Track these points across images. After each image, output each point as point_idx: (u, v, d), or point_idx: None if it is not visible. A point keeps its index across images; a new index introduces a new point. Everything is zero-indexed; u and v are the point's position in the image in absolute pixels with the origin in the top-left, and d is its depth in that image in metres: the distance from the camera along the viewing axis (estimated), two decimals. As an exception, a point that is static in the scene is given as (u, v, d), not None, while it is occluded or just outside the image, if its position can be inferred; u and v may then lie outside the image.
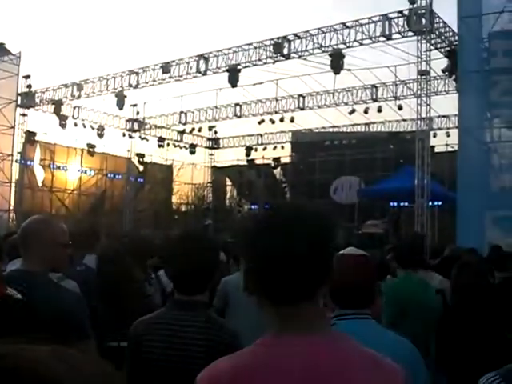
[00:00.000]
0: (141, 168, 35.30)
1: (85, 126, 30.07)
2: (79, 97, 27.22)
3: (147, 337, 3.06)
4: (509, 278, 4.90)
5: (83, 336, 3.38)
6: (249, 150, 34.61)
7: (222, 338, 2.95)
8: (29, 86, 28.31)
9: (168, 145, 34.11)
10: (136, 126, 32.46)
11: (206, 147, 38.06)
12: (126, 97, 25.90)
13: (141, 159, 34.04)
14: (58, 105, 27.52)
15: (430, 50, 18.70)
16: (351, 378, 1.57)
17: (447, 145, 28.17)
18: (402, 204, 24.39)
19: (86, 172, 34.22)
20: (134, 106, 30.24)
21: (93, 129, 30.51)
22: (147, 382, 3.01)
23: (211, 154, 38.81)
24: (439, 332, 4.58)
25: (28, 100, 28.42)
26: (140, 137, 32.63)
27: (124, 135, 32.45)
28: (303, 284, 1.61)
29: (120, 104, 25.72)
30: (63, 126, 28.42)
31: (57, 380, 0.78)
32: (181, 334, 3.01)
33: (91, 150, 31.63)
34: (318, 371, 1.56)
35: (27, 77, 28.51)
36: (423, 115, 18.95)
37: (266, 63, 22.52)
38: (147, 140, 33.01)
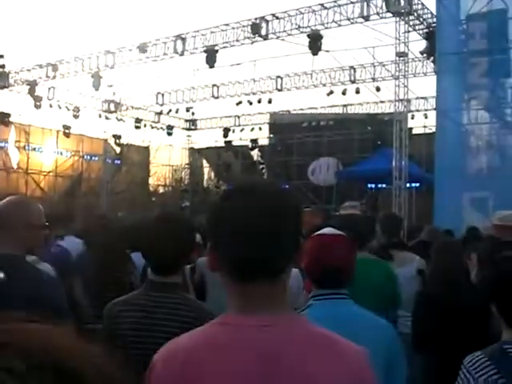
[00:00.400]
0: (117, 150, 35.04)
1: (60, 107, 29.70)
2: (54, 77, 26.82)
3: (121, 319, 3.08)
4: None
5: (61, 319, 3.27)
6: (226, 131, 34.45)
7: (196, 318, 2.94)
8: (2, 67, 27.80)
9: (145, 126, 33.86)
10: (112, 107, 32.13)
11: (183, 128, 37.82)
12: (101, 77, 25.59)
13: (117, 141, 33.74)
14: (32, 85, 27.12)
15: (409, 32, 18.67)
16: (304, 360, 1.56)
17: (425, 127, 28.32)
18: (379, 186, 24.47)
19: (61, 154, 33.82)
20: (111, 86, 29.91)
21: (68, 110, 30.16)
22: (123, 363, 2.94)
23: (189, 136, 38.59)
24: (416, 313, 4.59)
25: (1, 80, 27.94)
26: (117, 118, 32.33)
27: (100, 116, 32.12)
28: (265, 262, 1.58)
29: (96, 85, 25.41)
30: (38, 106, 28.03)
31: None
32: (155, 315, 3.02)
33: (67, 131, 31.27)
34: (273, 352, 1.55)
35: (1, 57, 28.03)
36: (401, 97, 18.94)
37: (243, 44, 22.36)
38: (124, 121, 32.74)
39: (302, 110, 32.78)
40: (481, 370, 2.53)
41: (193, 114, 35.15)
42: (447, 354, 3.91)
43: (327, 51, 21.97)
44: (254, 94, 28.90)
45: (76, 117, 30.46)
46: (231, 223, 1.59)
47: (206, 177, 41.32)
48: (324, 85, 27.16)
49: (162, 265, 3.15)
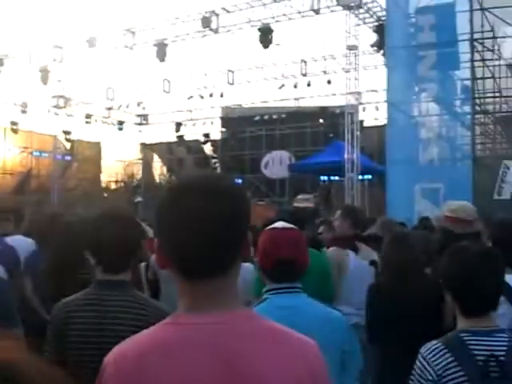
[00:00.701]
0: (68, 145, 34.52)
1: (7, 103, 29.11)
2: (0, 72, 26.28)
3: (71, 319, 2.99)
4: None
5: (12, 324, 3.40)
6: (178, 125, 34.26)
7: (149, 316, 2.89)
8: None
9: (96, 121, 33.42)
10: (62, 103, 31.59)
11: (134, 123, 37.43)
12: (49, 72, 25.16)
13: (67, 136, 33.19)
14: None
15: (359, 25, 18.82)
16: (257, 356, 1.54)
17: (376, 119, 28.59)
18: (332, 178, 24.61)
19: (9, 150, 33.19)
20: (59, 81, 29.42)
21: (15, 105, 29.58)
22: (73, 366, 2.92)
23: (140, 131, 38.22)
24: (369, 304, 4.62)
25: None
26: (66, 113, 31.82)
27: (49, 112, 31.56)
28: (212, 260, 1.56)
29: (44, 79, 24.99)
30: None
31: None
32: (107, 315, 2.96)
33: (14, 127, 30.66)
34: (225, 351, 1.53)
35: None
36: (352, 90, 19.09)
37: (194, 38, 22.25)
38: (73, 117, 32.26)
39: (253, 103, 32.79)
40: (438, 359, 2.57)
41: (144, 108, 34.85)
42: (400, 345, 3.97)
43: (278, 45, 22.00)
44: (205, 88, 28.78)
45: (24, 112, 29.89)
46: (175, 221, 1.57)
47: (158, 172, 41.06)
48: (275, 78, 27.21)
49: (109, 263, 3.09)
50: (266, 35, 20.01)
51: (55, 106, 31.54)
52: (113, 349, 1.67)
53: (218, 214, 1.55)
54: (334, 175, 23.63)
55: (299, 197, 25.10)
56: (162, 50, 21.89)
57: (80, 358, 2.92)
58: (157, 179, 40.26)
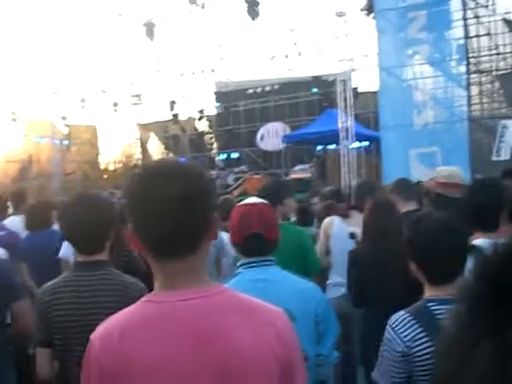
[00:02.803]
0: (65, 130, 34.58)
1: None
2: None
3: (53, 301, 3.09)
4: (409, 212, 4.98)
5: (16, 298, 3.66)
6: (172, 104, 34.05)
7: (130, 293, 2.97)
8: None
9: (90, 105, 33.39)
10: (57, 89, 31.46)
11: (129, 104, 37.25)
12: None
13: (64, 121, 33.31)
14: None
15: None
16: (231, 329, 1.66)
17: (371, 85, 28.28)
18: (328, 147, 24.43)
19: (10, 138, 33.42)
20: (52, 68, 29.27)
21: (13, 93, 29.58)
22: (59, 346, 3.08)
23: (135, 111, 38.13)
24: (349, 271, 4.72)
25: None
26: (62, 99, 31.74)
27: (45, 98, 31.58)
28: (180, 240, 1.66)
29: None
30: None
31: None
32: (88, 294, 3.06)
33: (13, 116, 30.73)
34: (201, 326, 1.64)
35: None
36: (343, 56, 18.82)
37: (181, 15, 22.06)
38: (68, 101, 32.21)
39: (245, 77, 32.61)
40: (406, 330, 2.58)
41: (137, 88, 34.64)
42: (381, 307, 3.94)
43: (266, 15, 21.73)
44: (196, 64, 28.57)
45: (21, 101, 29.93)
46: (145, 205, 1.66)
47: (156, 151, 41.02)
48: (266, 50, 26.95)
49: (82, 244, 3.22)
50: (252, 7, 19.75)
51: (51, 93, 31.52)
52: (97, 328, 1.75)
53: (179, 195, 1.63)
54: (330, 144, 23.43)
55: (296, 168, 25.10)
56: (150, 29, 21.70)
57: (65, 339, 3.05)
58: (155, 158, 40.21)
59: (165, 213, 1.63)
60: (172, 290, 1.67)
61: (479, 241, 3.10)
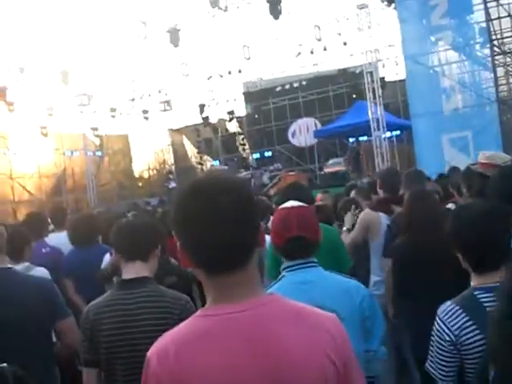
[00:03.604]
0: (97, 141, 34.87)
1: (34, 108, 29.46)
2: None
3: (100, 321, 3.10)
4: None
5: (60, 316, 3.63)
6: (202, 107, 34.35)
7: (176, 308, 3.03)
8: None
9: (121, 114, 33.68)
10: (86, 100, 31.86)
11: (159, 111, 37.56)
12: (69, 72, 25.40)
13: (95, 132, 33.56)
14: (3, 90, 26.87)
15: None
16: (287, 338, 1.66)
17: (397, 74, 28.30)
18: (360, 139, 24.54)
19: (42, 153, 33.63)
20: (80, 80, 29.66)
21: (42, 109, 29.89)
22: (105, 364, 3.08)
23: (165, 117, 38.37)
24: (398, 263, 4.67)
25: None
26: (92, 110, 32.10)
27: (75, 111, 31.86)
28: (232, 255, 1.66)
29: (65, 80, 25.25)
30: (11, 111, 27.79)
31: None
32: (132, 312, 3.07)
33: (44, 131, 31.06)
34: (257, 336, 1.65)
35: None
36: (368, 48, 18.99)
37: (205, 19, 22.24)
38: (98, 112, 32.53)
39: (273, 75, 32.71)
40: (454, 319, 2.62)
41: (166, 94, 34.99)
42: (426, 303, 4.01)
43: (289, 13, 21.90)
44: (223, 66, 28.79)
45: (50, 115, 30.24)
46: (194, 224, 1.66)
47: (189, 155, 41.26)
48: (291, 47, 27.06)
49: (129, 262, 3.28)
50: (274, 6, 19.90)
51: (80, 104, 31.83)
52: (154, 344, 1.75)
53: (231, 209, 1.64)
54: (362, 136, 23.54)
55: (330, 162, 25.17)
56: (175, 35, 21.89)
57: (111, 356, 3.05)
58: (188, 162, 40.50)
59: (218, 228, 1.63)
60: (226, 303, 1.68)
61: None
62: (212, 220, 1.63)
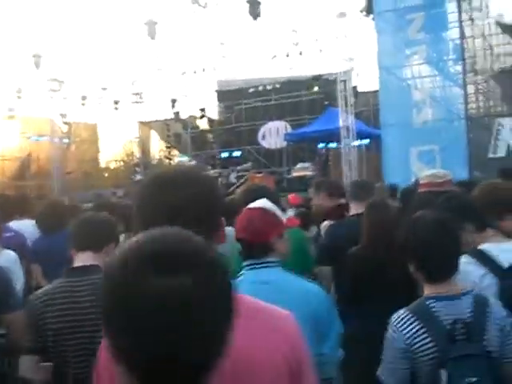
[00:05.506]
0: (65, 128, 34.55)
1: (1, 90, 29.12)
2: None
3: (46, 308, 3.12)
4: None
5: (11, 309, 3.62)
6: (173, 102, 34.23)
7: None
8: None
9: (91, 103, 33.42)
10: (56, 86, 31.51)
11: (130, 102, 37.34)
12: (41, 56, 25.16)
13: (64, 119, 33.26)
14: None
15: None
16: (239, 330, 1.56)
17: (371, 84, 28.58)
18: (329, 145, 24.70)
19: (7, 136, 33.18)
20: (52, 65, 29.39)
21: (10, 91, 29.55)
22: (57, 353, 3.08)
23: (136, 109, 38.14)
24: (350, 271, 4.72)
25: None
26: (62, 97, 31.80)
27: (44, 96, 31.51)
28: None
29: (37, 64, 25.01)
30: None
31: None
32: (82, 299, 3.10)
33: (11, 113, 30.66)
34: None
35: None
36: (344, 56, 19.16)
37: (183, 14, 22.25)
38: (68, 99, 32.22)
39: (247, 76, 32.77)
40: (406, 327, 2.69)
41: (138, 86, 34.80)
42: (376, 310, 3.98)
43: (267, 15, 22.00)
44: (198, 63, 28.78)
45: (19, 98, 29.89)
46: (153, 216, 1.62)
47: (157, 149, 41.08)
48: (267, 49, 27.19)
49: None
50: (254, 7, 20.00)
51: (50, 90, 31.47)
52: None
53: (191, 199, 1.64)
54: (332, 142, 23.68)
55: (298, 166, 25.31)
56: (152, 28, 21.87)
57: (60, 343, 3.06)
58: (156, 156, 40.35)
59: (176, 218, 1.53)
60: None
61: (487, 246, 3.24)
62: (166, 212, 1.61)
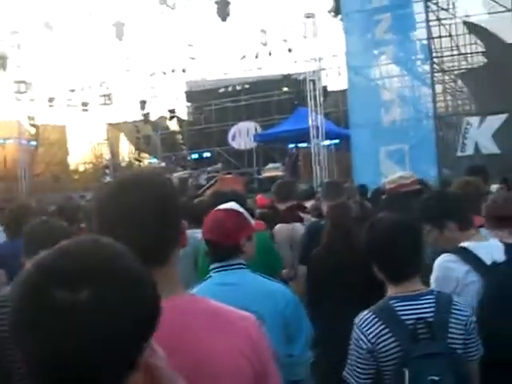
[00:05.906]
0: (33, 131, 34.16)
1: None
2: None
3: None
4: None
5: None
6: (143, 103, 34.01)
7: None
8: None
9: (59, 105, 33.07)
10: (23, 88, 31.10)
11: (99, 104, 37.01)
12: (8, 58, 24.84)
13: (32, 122, 32.87)
14: None
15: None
16: (196, 338, 1.65)
17: (340, 84, 28.67)
18: (300, 145, 24.74)
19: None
20: (19, 67, 28.99)
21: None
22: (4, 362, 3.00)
23: (104, 111, 37.85)
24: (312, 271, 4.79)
25: None
26: (29, 99, 31.41)
27: (11, 98, 31.09)
28: (152, 252, 1.59)
29: (3, 66, 24.69)
30: None
31: None
32: None
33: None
34: (175, 331, 1.59)
35: None
36: (313, 56, 19.20)
37: (151, 15, 22.16)
38: (36, 101, 31.86)
39: (216, 76, 32.69)
40: (370, 328, 2.72)
41: (107, 88, 34.51)
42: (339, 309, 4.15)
43: (236, 16, 22.00)
44: (167, 64, 28.65)
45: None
46: (111, 219, 1.63)
47: (127, 151, 40.81)
48: (236, 50, 27.15)
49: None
50: (223, 8, 19.99)
51: (17, 92, 31.07)
52: None
53: (155, 212, 1.63)
54: (302, 142, 23.73)
55: (269, 166, 25.33)
56: (120, 29, 21.76)
57: (5, 353, 2.94)
58: (125, 158, 40.08)
59: (134, 226, 1.61)
60: None
61: (469, 244, 3.26)
62: (121, 216, 1.62)
